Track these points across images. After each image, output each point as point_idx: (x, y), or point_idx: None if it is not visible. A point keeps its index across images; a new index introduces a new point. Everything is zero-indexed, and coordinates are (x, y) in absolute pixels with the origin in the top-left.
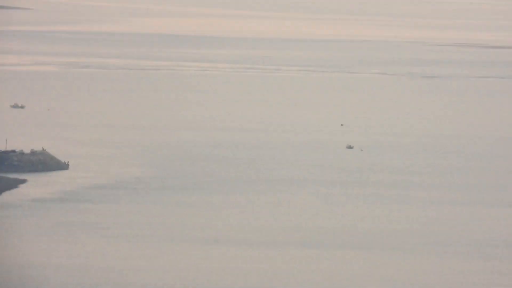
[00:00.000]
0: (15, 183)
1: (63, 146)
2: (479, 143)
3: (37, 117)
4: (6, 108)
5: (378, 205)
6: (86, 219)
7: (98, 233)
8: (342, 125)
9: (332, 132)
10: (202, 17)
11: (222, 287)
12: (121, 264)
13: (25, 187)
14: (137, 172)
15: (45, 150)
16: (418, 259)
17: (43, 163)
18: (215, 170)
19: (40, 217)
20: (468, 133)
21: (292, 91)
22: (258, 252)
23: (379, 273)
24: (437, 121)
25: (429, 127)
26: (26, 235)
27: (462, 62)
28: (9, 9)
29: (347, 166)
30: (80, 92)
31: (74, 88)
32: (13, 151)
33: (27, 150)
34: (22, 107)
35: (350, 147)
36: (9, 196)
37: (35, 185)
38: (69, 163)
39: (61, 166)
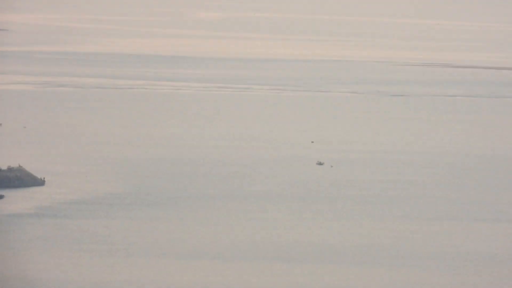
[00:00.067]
0: None
1: (39, 163)
2: (448, 158)
3: (13, 135)
4: None
5: (348, 220)
6: (62, 234)
7: (74, 247)
8: (312, 142)
9: (302, 149)
10: (175, 38)
11: None
12: (97, 278)
13: (1, 202)
14: (112, 188)
15: (22, 166)
16: (388, 274)
17: (19, 179)
18: (189, 186)
19: (16, 232)
20: (437, 149)
21: (264, 109)
22: (231, 266)
23: (349, 287)
24: (406, 138)
25: (398, 144)
26: (1, 250)
27: (430, 81)
28: None
29: (318, 182)
30: (56, 110)
31: (50, 107)
32: None
33: (4, 167)
34: None
35: (320, 164)
36: None
37: (12, 201)
38: (45, 179)
39: (38, 182)
